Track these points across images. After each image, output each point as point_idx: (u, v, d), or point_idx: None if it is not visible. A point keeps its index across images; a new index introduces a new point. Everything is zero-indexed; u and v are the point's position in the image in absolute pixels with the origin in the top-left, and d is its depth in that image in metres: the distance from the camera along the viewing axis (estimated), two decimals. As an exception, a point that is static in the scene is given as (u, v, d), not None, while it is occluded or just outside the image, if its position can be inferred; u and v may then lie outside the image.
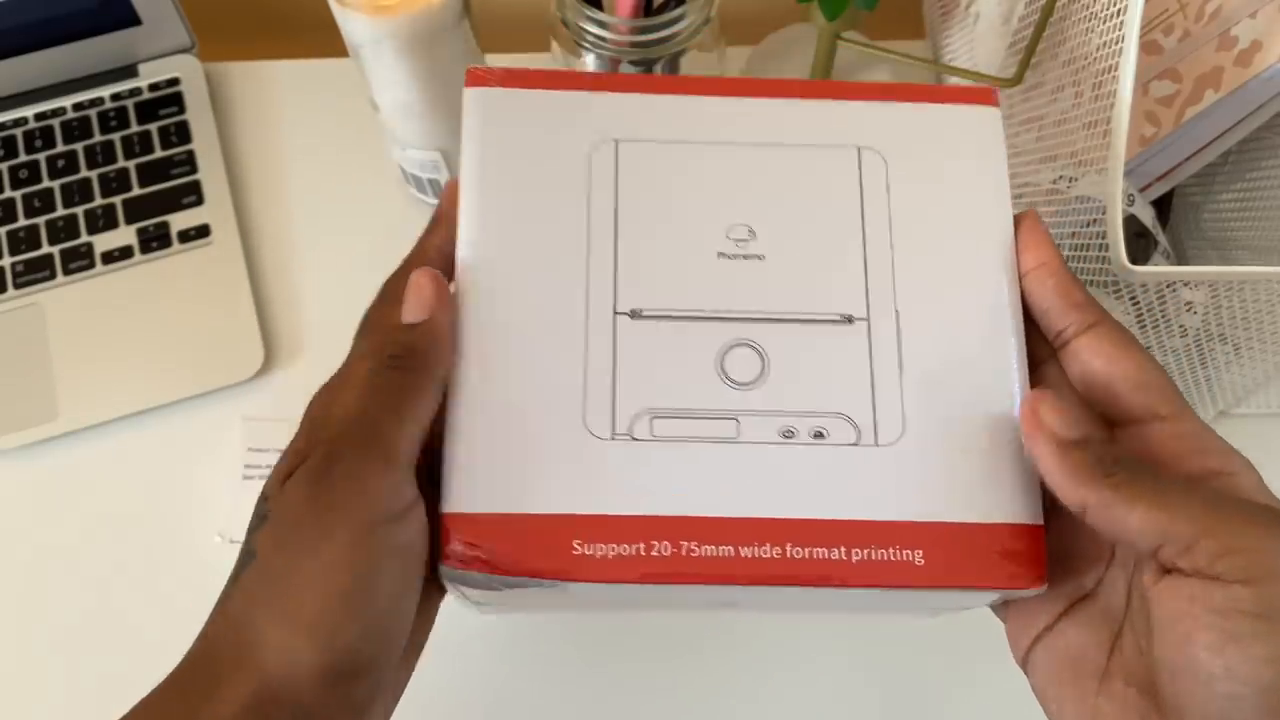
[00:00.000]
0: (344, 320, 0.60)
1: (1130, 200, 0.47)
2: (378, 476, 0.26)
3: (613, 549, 0.28)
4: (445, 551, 0.28)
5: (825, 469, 0.29)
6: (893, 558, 0.28)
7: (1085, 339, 0.28)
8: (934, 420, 0.30)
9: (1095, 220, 0.40)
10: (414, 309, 0.29)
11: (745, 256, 0.31)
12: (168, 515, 0.53)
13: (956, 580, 0.28)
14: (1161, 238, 0.48)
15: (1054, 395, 0.27)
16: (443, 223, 0.31)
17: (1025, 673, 0.29)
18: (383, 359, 0.28)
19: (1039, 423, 0.26)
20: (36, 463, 0.55)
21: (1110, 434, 0.28)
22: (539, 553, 0.28)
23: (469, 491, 0.28)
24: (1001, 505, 0.29)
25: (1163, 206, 0.54)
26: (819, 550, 0.28)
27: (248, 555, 0.26)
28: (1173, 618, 0.23)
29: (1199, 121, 0.46)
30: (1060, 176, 0.44)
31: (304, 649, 0.24)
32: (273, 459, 0.48)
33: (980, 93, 0.33)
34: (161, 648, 0.52)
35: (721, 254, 0.31)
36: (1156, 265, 0.46)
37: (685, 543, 0.28)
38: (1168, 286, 0.39)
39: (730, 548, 0.28)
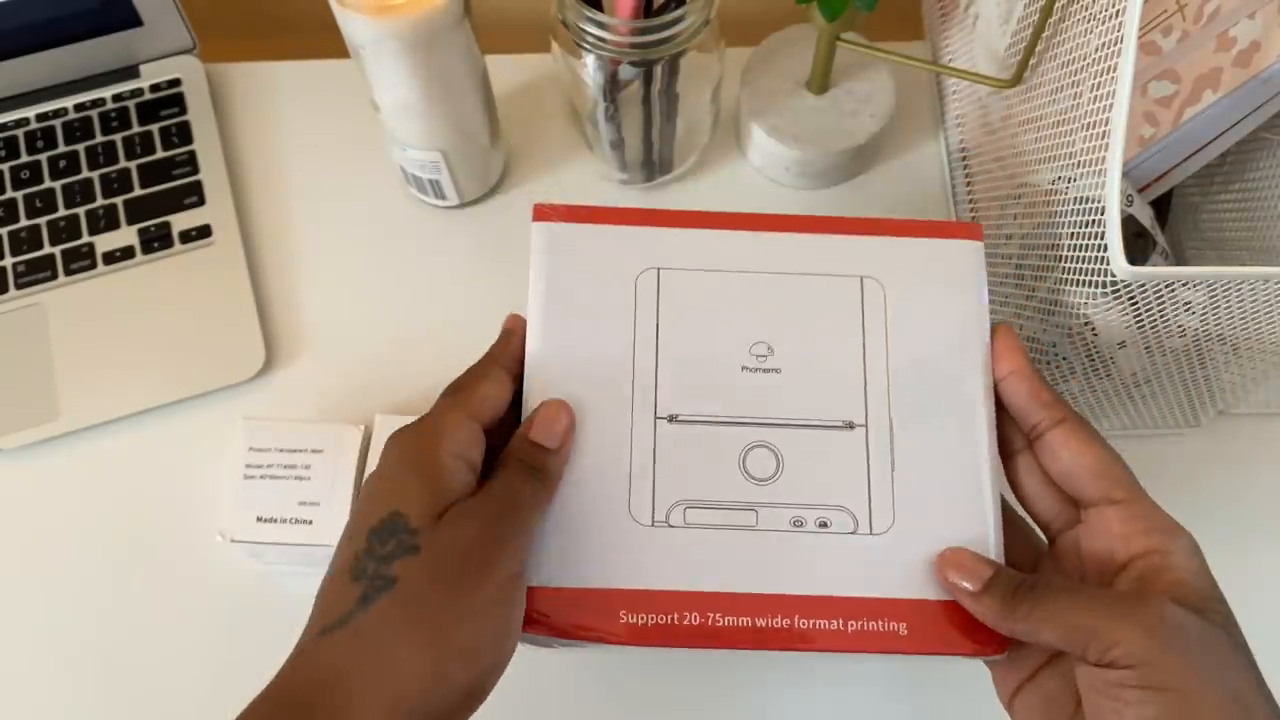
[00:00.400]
0: (344, 320, 0.61)
1: (1129, 201, 0.47)
2: (525, 536, 0.33)
3: (651, 618, 0.35)
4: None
5: (828, 553, 0.35)
6: (882, 629, 0.35)
7: (1054, 433, 0.35)
8: (919, 512, 0.36)
9: (1094, 221, 0.40)
10: (549, 435, 0.35)
11: (765, 370, 0.37)
12: (169, 515, 0.53)
13: (933, 648, 0.34)
14: (1160, 238, 0.48)
15: (955, 556, 0.34)
16: (514, 335, 0.37)
17: (1010, 714, 0.35)
18: (522, 467, 0.34)
19: (951, 584, 0.34)
20: (37, 463, 0.55)
21: (1071, 517, 0.36)
22: (593, 620, 0.35)
23: (534, 569, 0.35)
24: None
25: (1161, 207, 0.55)
26: (820, 622, 0.35)
27: (384, 582, 0.29)
28: (1086, 687, 0.31)
29: (1197, 122, 0.46)
30: (1059, 177, 0.44)
31: (458, 671, 0.29)
32: (273, 458, 0.48)
33: (968, 229, 0.40)
34: (163, 646, 0.52)
35: (745, 367, 0.37)
36: (1155, 265, 0.46)
37: (711, 614, 0.35)
38: (1166, 287, 0.39)
39: (748, 619, 0.35)
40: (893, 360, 0.37)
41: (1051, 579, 0.33)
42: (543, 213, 0.39)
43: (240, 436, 0.48)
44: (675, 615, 0.35)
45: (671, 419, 0.37)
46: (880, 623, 0.35)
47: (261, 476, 0.47)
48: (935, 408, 0.37)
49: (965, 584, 0.33)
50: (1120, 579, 0.33)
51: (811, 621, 0.35)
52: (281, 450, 0.48)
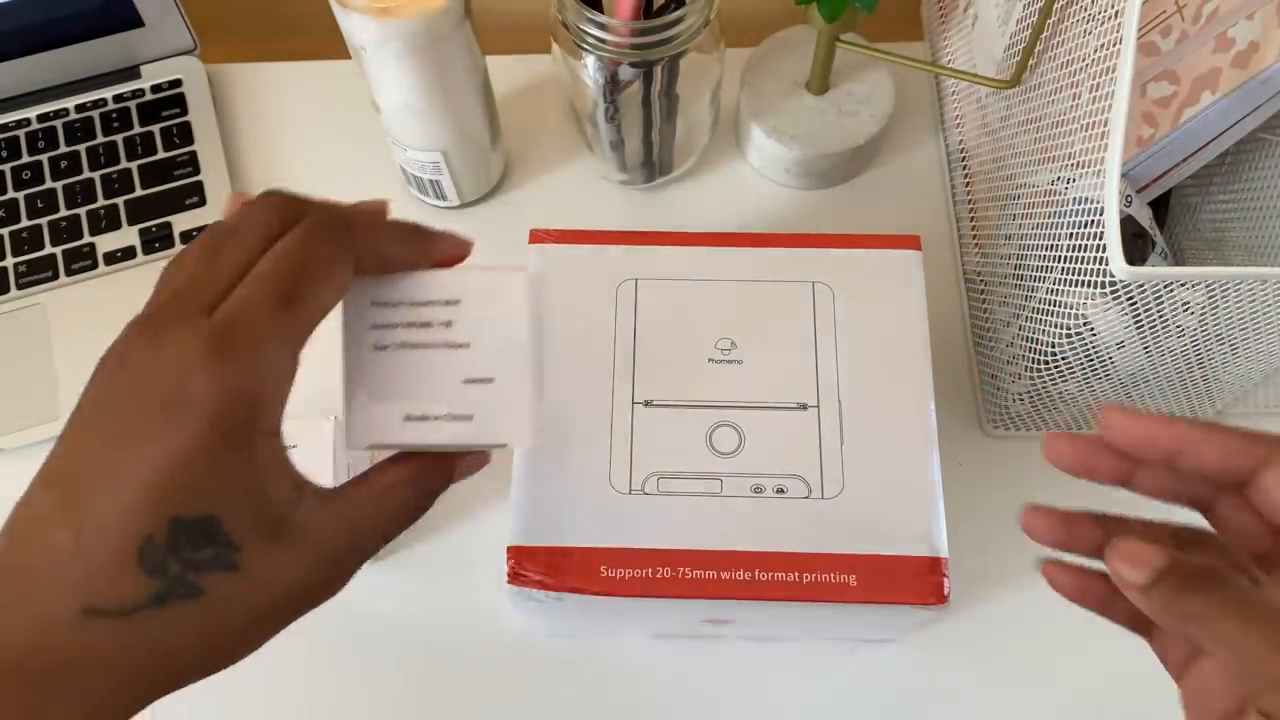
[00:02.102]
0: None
1: (1128, 201, 0.47)
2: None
3: (628, 572, 0.39)
4: (510, 572, 0.39)
5: (784, 515, 0.40)
6: (833, 580, 0.39)
7: (1272, 473, 0.28)
8: (866, 479, 0.40)
9: (1093, 221, 0.40)
10: (464, 473, 0.32)
11: (728, 361, 0.42)
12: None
13: (880, 598, 0.38)
14: (1159, 238, 0.48)
15: (1125, 546, 0.27)
16: (374, 215, 0.31)
17: (1180, 687, 0.30)
18: (417, 492, 0.31)
19: (1118, 578, 0.27)
20: (38, 463, 0.54)
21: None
22: (575, 575, 0.39)
23: (526, 530, 0.40)
24: (913, 542, 0.39)
25: (1160, 207, 0.55)
26: (778, 574, 0.39)
27: (189, 590, 0.26)
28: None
29: (1196, 123, 0.46)
30: (1058, 178, 0.45)
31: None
32: None
33: (908, 240, 0.45)
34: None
35: (711, 359, 0.42)
36: (1154, 266, 0.46)
37: (681, 568, 0.39)
38: (1165, 287, 0.39)
39: (714, 572, 0.39)
40: (841, 352, 0.42)
41: (1242, 581, 0.26)
42: (538, 236, 0.45)
43: None
44: (650, 570, 0.39)
45: (647, 404, 0.42)
46: (832, 575, 0.39)
47: None
48: (880, 391, 0.42)
49: (1130, 575, 0.27)
50: None
51: (770, 574, 0.39)
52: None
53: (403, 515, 0.30)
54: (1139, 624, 0.30)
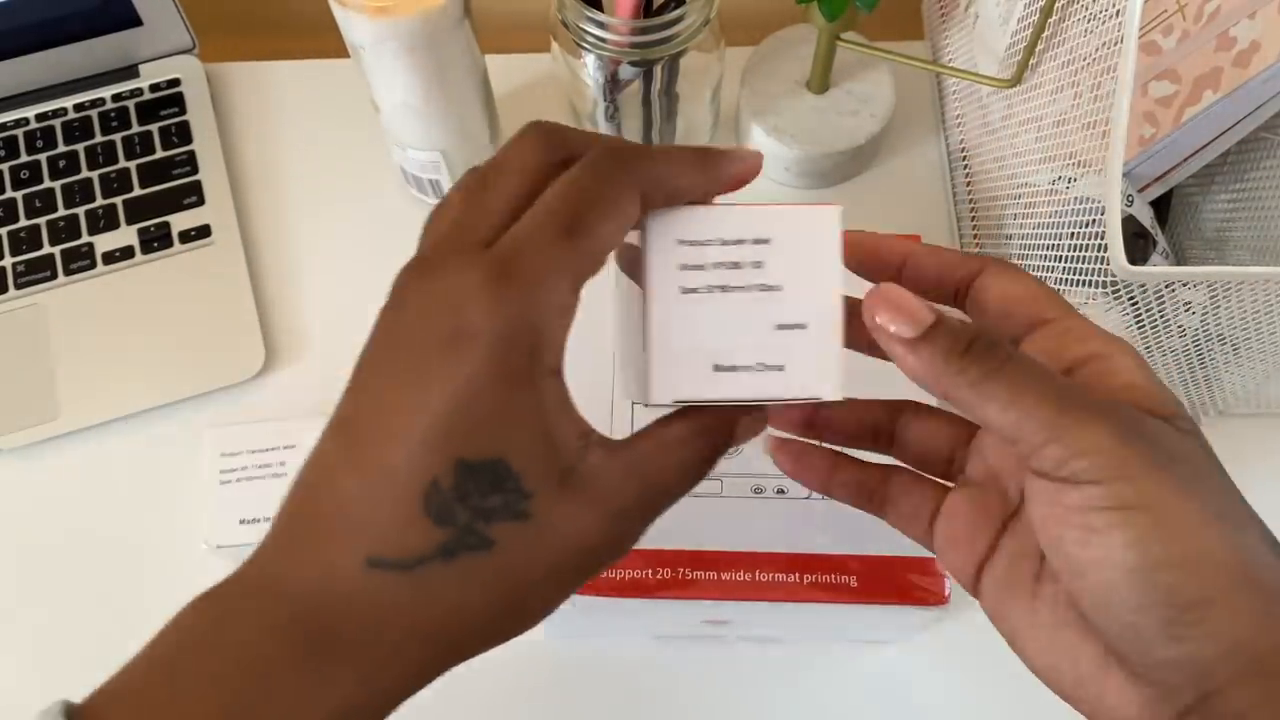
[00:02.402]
0: (345, 320, 0.61)
1: (1129, 200, 0.47)
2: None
3: (628, 573, 0.39)
4: None
5: (785, 516, 0.39)
6: (833, 581, 0.39)
7: (977, 283, 0.28)
8: None
9: (1094, 221, 0.40)
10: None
11: None
12: (169, 514, 0.53)
13: (879, 599, 0.38)
14: (1160, 238, 0.48)
15: (892, 292, 0.25)
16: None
17: (979, 600, 0.29)
18: (712, 442, 0.28)
19: (878, 328, 0.25)
20: (38, 462, 0.55)
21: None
22: None
23: None
24: (911, 543, 0.36)
25: (1161, 207, 0.55)
26: (778, 575, 0.39)
27: (478, 541, 0.24)
28: (1042, 519, 0.25)
29: (1198, 122, 0.46)
30: (1059, 177, 0.44)
31: (523, 630, 0.26)
32: (246, 460, 0.47)
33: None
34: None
35: None
36: (1155, 265, 0.46)
37: (681, 569, 0.39)
38: (1166, 287, 0.39)
39: (714, 573, 0.39)
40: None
41: (1018, 350, 0.25)
42: None
43: (207, 446, 0.47)
44: (649, 570, 0.39)
45: (646, 404, 0.39)
46: (832, 576, 0.39)
47: (238, 480, 0.47)
48: (880, 389, 0.40)
49: (897, 328, 0.25)
50: None
51: (770, 575, 0.39)
52: (253, 451, 0.47)
53: (688, 474, 0.27)
54: (867, 497, 0.30)
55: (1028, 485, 0.25)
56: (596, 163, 0.25)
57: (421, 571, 0.23)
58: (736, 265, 0.26)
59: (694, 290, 0.26)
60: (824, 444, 0.31)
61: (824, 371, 0.27)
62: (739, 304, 0.26)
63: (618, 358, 0.30)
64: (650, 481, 0.26)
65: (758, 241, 0.26)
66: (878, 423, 0.31)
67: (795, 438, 0.30)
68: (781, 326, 0.26)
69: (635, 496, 0.26)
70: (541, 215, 0.24)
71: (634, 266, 0.28)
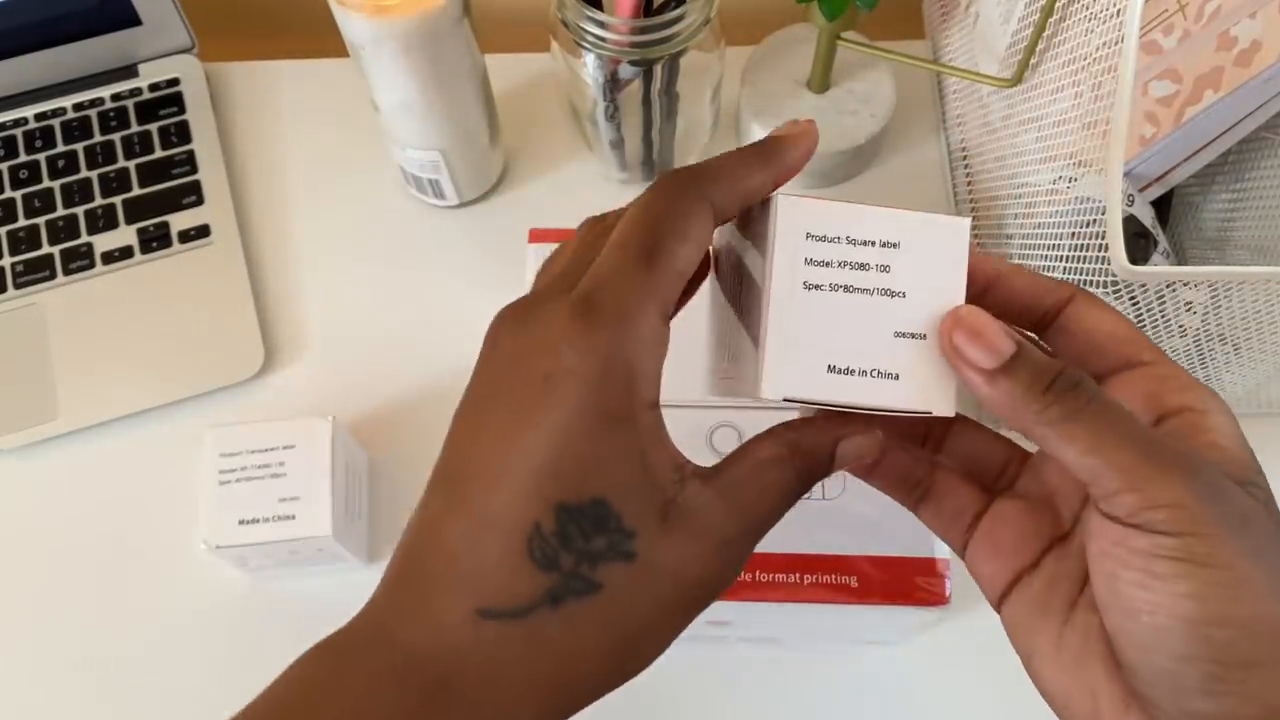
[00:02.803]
0: (343, 320, 0.61)
1: (1130, 200, 0.47)
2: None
3: None
4: None
5: (785, 516, 0.35)
6: (834, 582, 0.39)
7: (1067, 312, 0.28)
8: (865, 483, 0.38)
9: (1095, 220, 0.40)
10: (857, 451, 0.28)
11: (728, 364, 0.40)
12: (169, 514, 0.53)
13: (881, 599, 0.38)
14: (1161, 238, 0.48)
15: (972, 317, 0.25)
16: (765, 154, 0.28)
17: (999, 612, 0.29)
18: (803, 469, 0.27)
19: (956, 352, 0.25)
20: (37, 462, 0.55)
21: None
22: None
23: None
24: (914, 543, 0.39)
25: (1162, 206, 0.54)
26: (778, 575, 0.39)
27: (585, 585, 0.24)
28: (1102, 554, 0.24)
29: (1198, 121, 0.46)
30: (1060, 177, 0.44)
31: (631, 674, 0.25)
32: (245, 460, 0.47)
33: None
34: (166, 645, 0.52)
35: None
36: (1156, 265, 0.46)
37: None
38: (1167, 286, 0.39)
39: None
40: None
41: (1103, 390, 0.25)
42: (537, 235, 0.44)
43: (208, 445, 0.47)
44: None
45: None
46: (832, 576, 0.39)
47: (237, 480, 0.47)
48: None
49: (975, 356, 0.24)
50: None
51: (770, 575, 0.39)
52: (253, 451, 0.47)
53: (786, 495, 0.27)
54: (909, 489, 0.30)
55: (1092, 519, 0.25)
56: (660, 186, 0.25)
57: (532, 620, 0.23)
58: (863, 266, 0.26)
59: (818, 286, 0.26)
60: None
61: (939, 386, 0.26)
62: (861, 306, 0.26)
63: (706, 356, 0.30)
64: (747, 507, 0.26)
65: (886, 245, 0.26)
66: (931, 424, 0.30)
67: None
68: (900, 335, 0.26)
69: (736, 525, 0.26)
70: (617, 247, 0.24)
71: (726, 266, 0.27)
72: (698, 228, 0.24)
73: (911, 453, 0.30)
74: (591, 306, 0.23)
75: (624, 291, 0.23)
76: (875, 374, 0.26)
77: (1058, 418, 0.24)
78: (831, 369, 0.26)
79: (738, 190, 0.25)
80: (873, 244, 0.26)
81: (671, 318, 0.25)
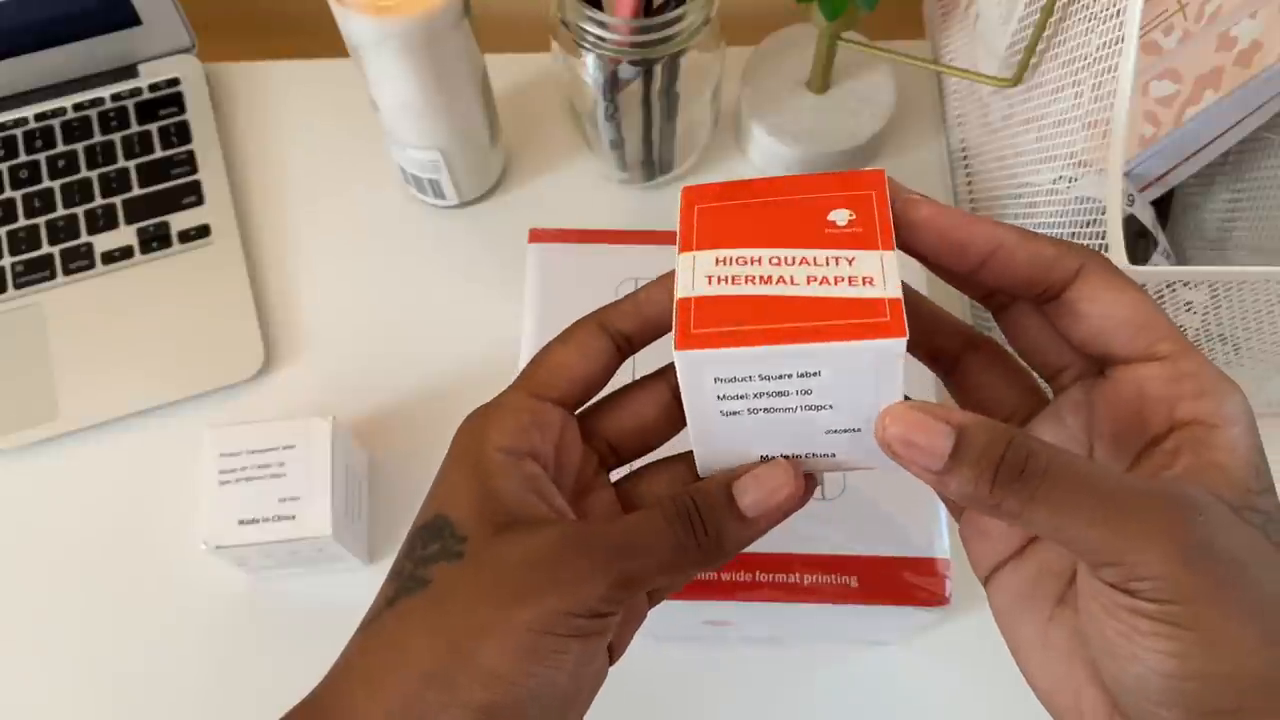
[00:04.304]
0: (343, 320, 0.61)
1: (1130, 200, 0.47)
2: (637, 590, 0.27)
3: None
4: None
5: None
6: (834, 582, 0.39)
7: (1075, 287, 0.26)
8: (867, 480, 0.40)
9: (1095, 220, 0.40)
10: (757, 501, 0.27)
11: None
12: (169, 514, 0.53)
13: (881, 600, 0.38)
14: (1161, 238, 0.48)
15: (899, 427, 0.24)
16: (647, 292, 0.32)
17: (987, 591, 0.28)
18: (685, 516, 0.27)
19: (901, 458, 0.24)
20: (36, 462, 0.55)
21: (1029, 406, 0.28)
22: None
23: None
24: (914, 543, 0.39)
25: (1162, 206, 0.54)
26: (778, 576, 0.39)
27: (416, 583, 0.26)
28: (1089, 594, 0.24)
29: (1199, 121, 0.46)
30: (1060, 177, 0.44)
31: (474, 690, 0.25)
32: (245, 460, 0.47)
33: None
34: (166, 644, 0.52)
35: None
36: (1156, 265, 0.46)
37: None
38: (1167, 286, 0.39)
39: (714, 573, 0.39)
40: None
41: (1056, 454, 0.23)
42: (537, 235, 0.46)
43: (207, 445, 0.47)
44: None
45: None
46: (833, 576, 0.39)
47: (236, 480, 0.47)
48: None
49: (918, 463, 0.23)
50: (1153, 454, 0.26)
51: (770, 575, 0.39)
52: (252, 451, 0.47)
53: (658, 535, 0.27)
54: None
55: (1081, 575, 0.24)
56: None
57: (376, 623, 0.27)
58: (782, 394, 0.25)
59: (735, 413, 0.26)
60: None
61: (876, 453, 0.25)
62: (786, 420, 0.26)
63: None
64: (610, 532, 0.26)
65: (805, 375, 0.25)
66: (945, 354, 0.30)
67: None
68: (832, 432, 0.26)
69: (577, 534, 0.26)
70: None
71: None
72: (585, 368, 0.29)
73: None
74: (482, 410, 0.29)
75: (500, 397, 0.29)
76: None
77: (1016, 508, 0.23)
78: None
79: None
80: (789, 376, 0.25)
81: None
